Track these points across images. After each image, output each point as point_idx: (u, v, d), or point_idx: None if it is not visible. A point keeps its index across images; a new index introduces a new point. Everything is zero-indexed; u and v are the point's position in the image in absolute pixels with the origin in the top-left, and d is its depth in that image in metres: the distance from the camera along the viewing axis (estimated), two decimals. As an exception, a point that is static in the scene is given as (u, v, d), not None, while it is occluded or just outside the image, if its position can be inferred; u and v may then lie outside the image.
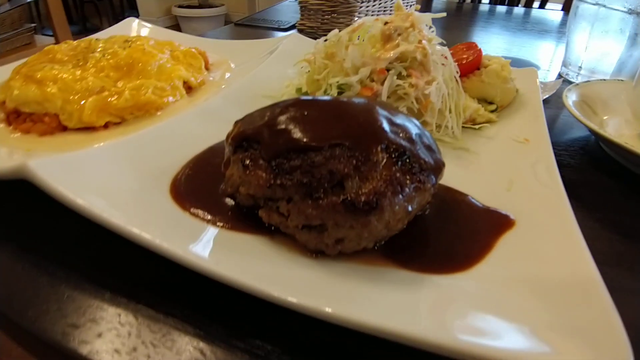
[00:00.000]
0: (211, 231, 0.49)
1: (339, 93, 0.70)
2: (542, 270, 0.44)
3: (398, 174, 0.44)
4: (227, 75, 1.00)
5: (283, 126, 0.46)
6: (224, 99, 0.82)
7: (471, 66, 0.78)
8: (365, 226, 0.42)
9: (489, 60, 0.81)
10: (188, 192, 0.56)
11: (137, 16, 5.20)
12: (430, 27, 0.76)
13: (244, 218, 0.51)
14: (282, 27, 1.62)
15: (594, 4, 1.04)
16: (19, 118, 0.75)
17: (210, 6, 4.92)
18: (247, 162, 0.47)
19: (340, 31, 0.75)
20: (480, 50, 0.80)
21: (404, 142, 0.47)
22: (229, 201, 0.54)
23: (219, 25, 5.07)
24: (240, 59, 1.08)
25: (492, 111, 0.79)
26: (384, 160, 0.44)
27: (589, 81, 0.91)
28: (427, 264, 0.46)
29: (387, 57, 0.69)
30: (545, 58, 1.44)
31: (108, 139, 0.71)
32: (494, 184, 0.60)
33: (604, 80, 0.94)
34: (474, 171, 0.65)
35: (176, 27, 5.24)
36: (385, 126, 0.47)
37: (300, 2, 1.46)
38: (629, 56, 1.04)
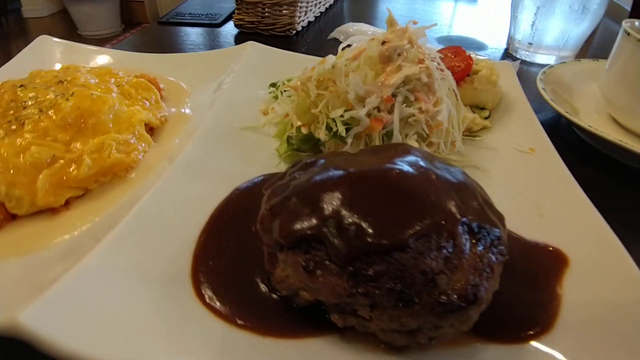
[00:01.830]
0: (272, 345, 0.42)
1: (347, 129, 0.63)
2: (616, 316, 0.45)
3: (484, 253, 0.40)
4: (187, 104, 0.86)
5: (349, 221, 0.39)
6: (201, 141, 0.71)
7: (463, 74, 0.76)
8: (465, 322, 0.39)
9: (477, 64, 0.79)
10: (219, 294, 0.47)
11: (20, 5, 4.42)
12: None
13: (300, 317, 0.45)
14: (215, 22, 1.45)
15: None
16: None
17: None
18: (311, 265, 0.40)
19: (334, 56, 0.67)
20: (469, 56, 0.77)
21: (475, 208, 0.43)
22: (266, 291, 0.47)
23: (113, 7, 4.48)
24: (193, 78, 0.94)
25: (485, 117, 0.78)
26: (468, 242, 0.40)
27: (553, 66, 0.94)
28: (511, 332, 0.44)
29: (392, 83, 0.63)
30: (476, 30, 1.46)
31: (75, 223, 0.58)
32: (523, 210, 0.60)
33: (573, 61, 0.98)
34: (495, 195, 0.64)
35: (63, 12, 4.52)
36: (453, 196, 0.43)
37: (236, -2, 1.30)
38: (575, 31, 1.10)
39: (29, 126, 0.63)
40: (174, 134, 0.76)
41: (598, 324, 0.44)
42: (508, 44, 1.26)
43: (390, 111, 0.64)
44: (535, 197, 0.61)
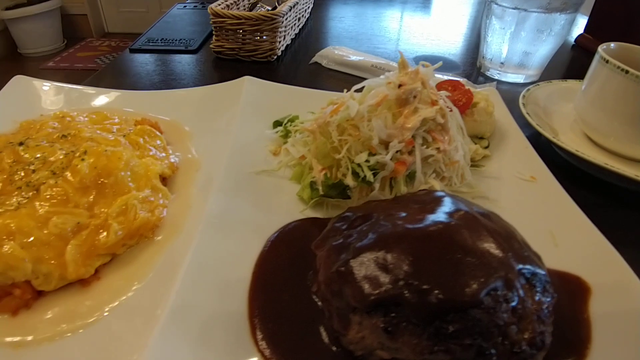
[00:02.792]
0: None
1: (374, 174, 0.66)
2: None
3: (541, 299, 0.44)
4: (191, 147, 0.84)
5: (424, 282, 0.42)
6: (221, 191, 0.70)
7: (464, 108, 0.81)
8: (534, 365, 0.42)
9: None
10: (285, 355, 0.48)
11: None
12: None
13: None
14: (190, 48, 1.42)
15: (512, 8, 1.15)
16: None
17: (41, 0, 4.01)
18: (391, 327, 0.42)
19: (355, 101, 0.69)
20: (469, 90, 0.82)
21: (524, 255, 0.47)
22: (335, 349, 0.49)
23: (54, 23, 4.20)
24: (191, 116, 0.92)
25: (485, 147, 0.84)
26: (526, 290, 0.44)
27: (530, 89, 1.03)
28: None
29: (412, 127, 0.66)
30: (442, 46, 1.55)
31: (111, 295, 0.56)
32: (538, 240, 0.63)
33: (546, 83, 1.07)
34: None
35: (5, 32, 4.16)
36: (504, 244, 0.47)
37: (213, 23, 1.29)
38: (541, 51, 1.20)
39: (46, 193, 0.59)
40: (188, 184, 0.75)
41: (629, 347, 0.50)
42: (479, 63, 1.34)
43: (411, 153, 0.68)
44: (546, 226, 0.67)
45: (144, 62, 1.36)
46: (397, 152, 0.67)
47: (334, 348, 0.49)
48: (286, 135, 0.85)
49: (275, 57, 1.35)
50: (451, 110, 0.74)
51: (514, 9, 1.14)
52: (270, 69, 1.33)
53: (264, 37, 1.31)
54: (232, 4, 1.42)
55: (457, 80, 0.85)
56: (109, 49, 4.36)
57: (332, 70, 1.32)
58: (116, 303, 0.54)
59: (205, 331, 0.50)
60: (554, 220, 0.68)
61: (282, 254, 0.62)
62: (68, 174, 0.62)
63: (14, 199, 0.59)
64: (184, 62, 1.36)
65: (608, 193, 0.81)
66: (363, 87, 0.74)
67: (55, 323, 0.53)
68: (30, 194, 0.60)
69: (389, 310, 0.42)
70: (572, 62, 1.47)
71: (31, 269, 0.54)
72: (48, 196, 0.59)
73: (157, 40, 1.48)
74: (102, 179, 0.63)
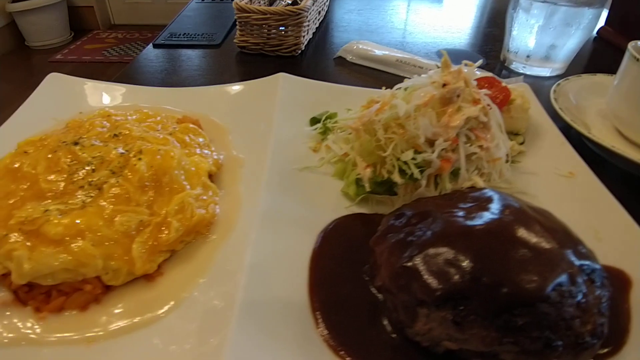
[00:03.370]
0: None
1: (420, 171, 0.68)
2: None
3: (600, 292, 0.47)
4: (231, 144, 0.86)
5: (492, 277, 0.44)
6: (270, 188, 0.72)
7: (502, 105, 0.82)
8: (592, 355, 0.45)
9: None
10: (353, 347, 0.50)
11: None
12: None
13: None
14: (213, 43, 1.43)
15: (541, 1, 1.15)
16: (39, 294, 0.56)
17: None
18: (459, 320, 0.44)
19: (400, 101, 0.70)
20: (506, 87, 0.84)
21: (581, 251, 0.49)
22: (397, 339, 0.51)
23: (61, 15, 4.19)
24: (226, 113, 0.94)
25: (520, 143, 0.85)
26: (588, 285, 0.46)
27: (560, 83, 1.04)
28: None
29: (456, 125, 0.68)
30: (462, 38, 1.55)
31: (178, 289, 0.58)
32: (581, 235, 0.65)
33: (575, 77, 1.08)
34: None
35: (12, 25, 4.15)
36: (563, 240, 0.49)
37: (238, 18, 1.29)
38: (568, 45, 1.20)
39: (110, 192, 0.61)
40: (234, 180, 0.76)
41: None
42: (503, 56, 1.35)
43: (454, 150, 0.70)
44: (588, 221, 0.69)
45: (169, 57, 1.37)
46: (443, 150, 0.69)
47: (398, 339, 0.51)
48: (325, 132, 0.87)
49: (299, 51, 1.36)
50: (491, 108, 0.75)
51: (542, 2, 1.14)
52: (294, 63, 1.34)
53: (289, 32, 1.32)
54: (254, -2, 1.42)
55: (492, 77, 0.87)
56: (116, 40, 4.34)
57: (357, 64, 1.33)
58: (183, 297, 0.57)
59: (274, 325, 0.52)
60: (595, 215, 0.70)
61: (335, 248, 0.64)
62: (128, 173, 0.64)
63: (78, 198, 0.61)
64: (208, 57, 1.37)
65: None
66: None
67: (126, 317, 0.56)
68: (94, 193, 0.62)
69: (457, 303, 0.45)
70: (594, 55, 1.47)
71: (102, 265, 0.56)
72: (112, 195, 0.61)
73: (180, 35, 1.48)
74: (158, 178, 0.65)
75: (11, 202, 0.61)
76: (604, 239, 0.66)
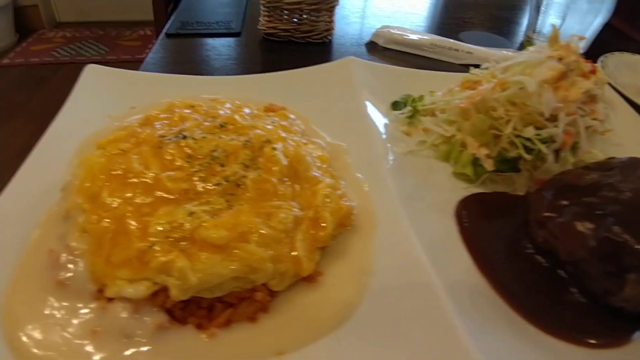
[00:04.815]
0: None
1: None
2: None
3: None
4: (322, 132, 0.80)
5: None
6: (391, 173, 0.69)
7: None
8: None
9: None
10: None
11: None
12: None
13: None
14: (233, 30, 1.34)
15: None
16: (198, 309, 0.49)
17: None
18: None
19: (525, 77, 0.69)
20: (590, 61, 0.86)
21: None
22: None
23: (5, 17, 3.70)
24: (301, 100, 0.87)
25: (596, 116, 0.89)
26: None
27: (602, 59, 1.09)
28: None
29: (576, 99, 0.69)
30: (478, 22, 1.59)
31: (350, 290, 0.53)
32: None
33: (612, 54, 1.14)
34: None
35: None
36: None
37: (267, 3, 1.22)
38: (594, 24, 1.27)
39: (253, 187, 0.55)
40: (346, 168, 0.72)
41: None
42: (526, 37, 1.39)
43: (572, 124, 0.70)
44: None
45: (189, 46, 1.26)
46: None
47: (592, 307, 0.51)
48: (413, 115, 0.85)
49: (330, 37, 1.31)
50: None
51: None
52: (325, 50, 1.29)
53: (321, 17, 1.26)
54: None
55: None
56: (65, 39, 3.93)
57: (388, 49, 1.31)
58: (359, 298, 0.52)
59: (480, 311, 0.50)
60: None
61: (483, 228, 0.63)
62: (267, 164, 0.57)
63: (218, 197, 0.54)
64: (233, 45, 1.29)
65: None
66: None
67: (303, 323, 0.50)
68: (232, 190, 0.55)
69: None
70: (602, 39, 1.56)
71: (272, 269, 0.50)
72: (256, 190, 0.54)
73: (193, 23, 1.37)
74: (295, 169, 0.59)
75: (134, 208, 0.52)
76: None
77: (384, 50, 1.30)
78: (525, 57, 0.74)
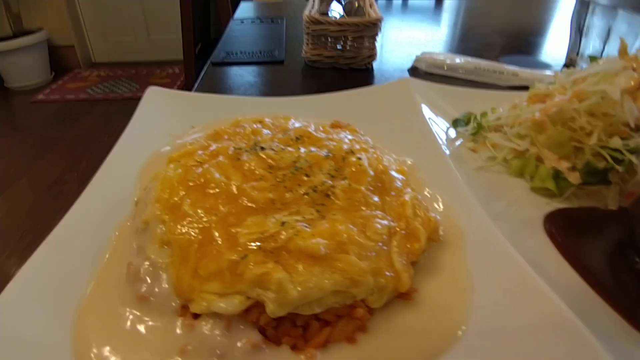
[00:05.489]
0: None
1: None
2: None
3: None
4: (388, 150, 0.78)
5: None
6: (464, 187, 0.66)
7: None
8: None
9: None
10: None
11: None
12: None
13: None
14: (277, 59, 1.36)
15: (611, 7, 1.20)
16: (292, 328, 0.45)
17: (27, 33, 3.75)
18: None
19: (604, 87, 0.67)
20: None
21: None
22: None
23: (42, 55, 3.93)
24: (362, 119, 0.86)
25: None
26: None
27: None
28: None
29: (660, 108, 0.66)
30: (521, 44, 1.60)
31: (453, 309, 0.49)
32: None
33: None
34: None
35: None
36: None
37: (311, 32, 1.24)
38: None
39: (343, 197, 0.52)
40: (419, 184, 0.68)
41: None
42: (569, 59, 1.38)
43: (652, 133, 0.67)
44: None
45: (236, 74, 1.28)
46: (647, 133, 0.66)
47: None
48: (477, 132, 0.82)
49: (372, 63, 1.32)
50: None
51: (611, 7, 1.19)
52: (368, 75, 1.29)
53: (365, 44, 1.28)
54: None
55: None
56: (99, 78, 4.12)
57: (430, 74, 1.31)
58: (465, 316, 0.47)
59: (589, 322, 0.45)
60: None
61: (582, 243, 0.58)
62: (355, 175, 0.54)
63: (308, 207, 0.51)
64: (279, 72, 1.30)
65: None
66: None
67: (411, 347, 0.45)
68: (321, 200, 0.52)
69: None
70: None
71: (373, 282, 0.46)
72: (348, 200, 0.52)
73: (237, 52, 1.40)
74: (381, 179, 0.57)
75: (219, 218, 0.50)
76: None
77: (426, 75, 1.31)
78: (599, 68, 0.72)
